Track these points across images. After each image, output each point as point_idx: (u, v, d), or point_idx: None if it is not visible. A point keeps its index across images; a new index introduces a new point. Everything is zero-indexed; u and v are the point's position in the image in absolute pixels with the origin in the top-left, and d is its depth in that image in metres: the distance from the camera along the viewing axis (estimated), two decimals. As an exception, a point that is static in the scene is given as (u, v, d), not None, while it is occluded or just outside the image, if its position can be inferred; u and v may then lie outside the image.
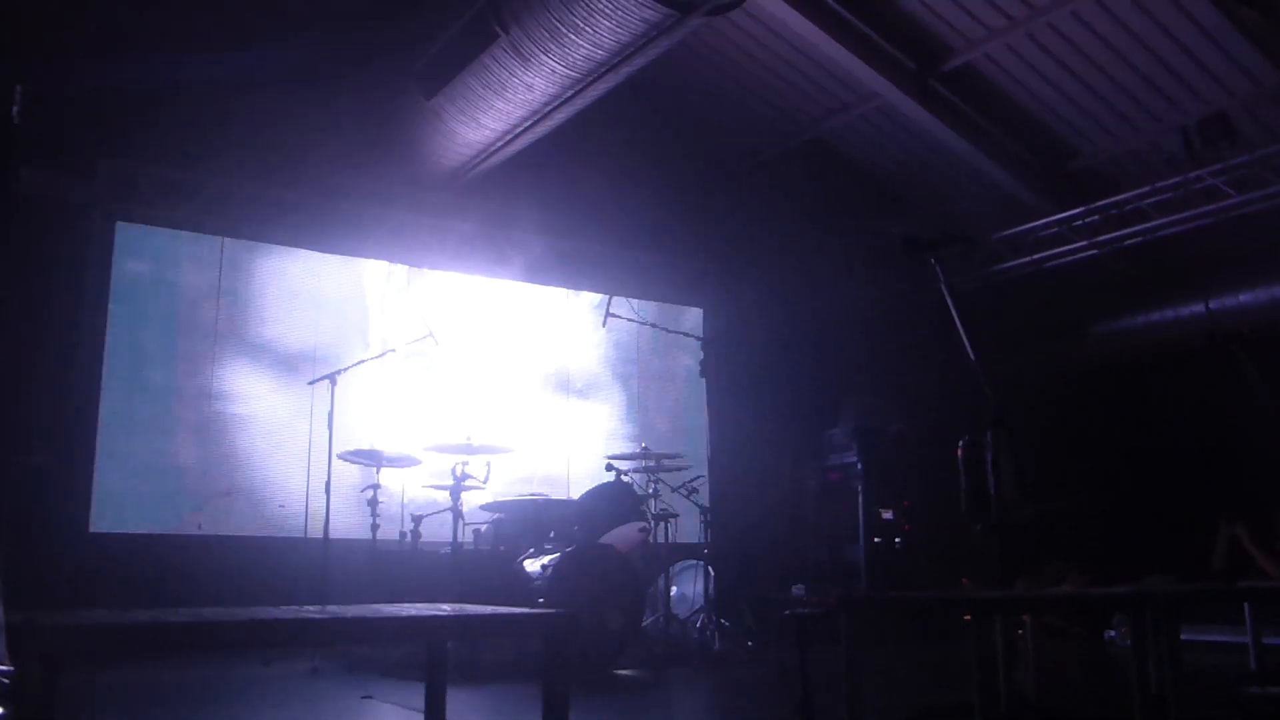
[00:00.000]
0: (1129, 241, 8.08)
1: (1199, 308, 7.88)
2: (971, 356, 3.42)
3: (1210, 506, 6.50)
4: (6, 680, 1.75)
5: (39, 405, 6.24)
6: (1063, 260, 8.53)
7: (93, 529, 6.51)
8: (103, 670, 4.83)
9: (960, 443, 3.28)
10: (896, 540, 8.09)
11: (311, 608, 3.39)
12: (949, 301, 3.57)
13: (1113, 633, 5.84)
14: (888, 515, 8.16)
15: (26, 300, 6.20)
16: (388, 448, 6.48)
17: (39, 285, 6.31)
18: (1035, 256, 8.65)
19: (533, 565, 5.86)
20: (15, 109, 3.36)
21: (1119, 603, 3.82)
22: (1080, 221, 8.22)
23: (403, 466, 6.60)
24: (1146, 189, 7.74)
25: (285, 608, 3.20)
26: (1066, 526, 7.04)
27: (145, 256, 7.06)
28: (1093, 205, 8.07)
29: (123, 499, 6.67)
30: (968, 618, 3.01)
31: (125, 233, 6.97)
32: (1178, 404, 8.10)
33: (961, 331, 3.49)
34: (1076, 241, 8.34)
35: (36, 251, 6.16)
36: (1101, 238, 8.17)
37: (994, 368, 3.40)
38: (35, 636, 2.00)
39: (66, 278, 6.65)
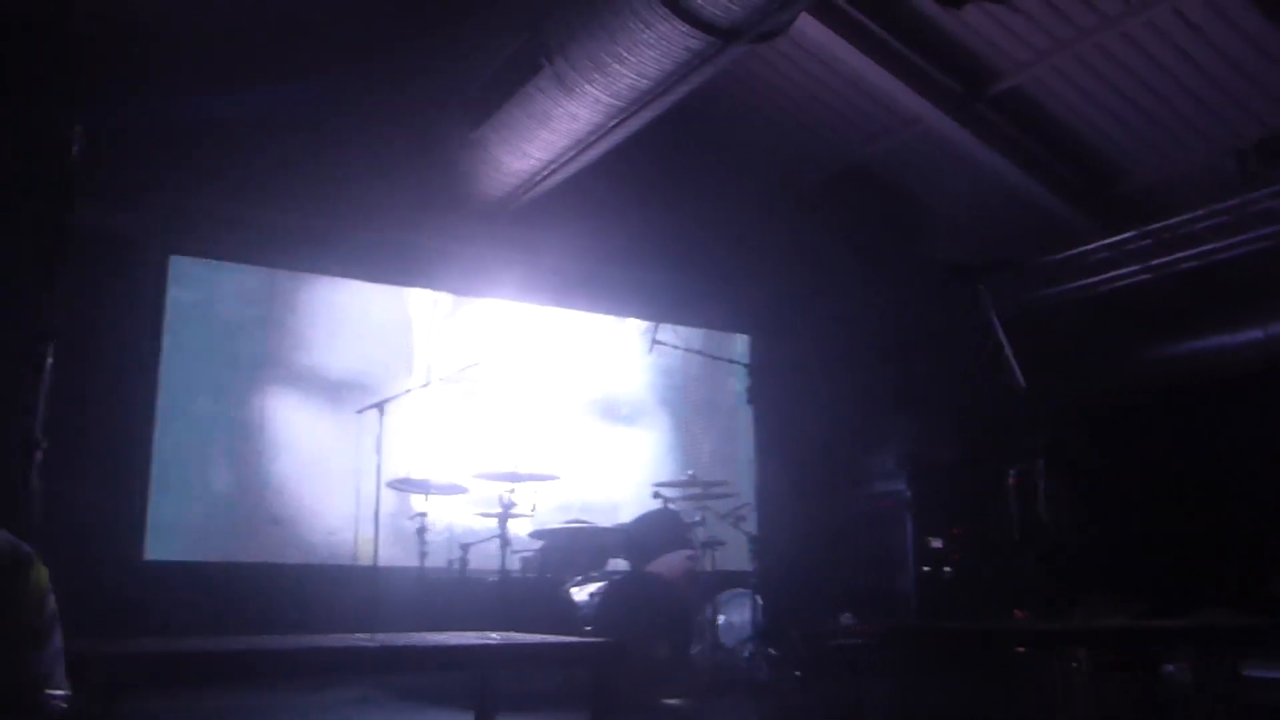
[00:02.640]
0: (1183, 265, 7.97)
1: (1256, 333, 7.74)
2: (1021, 382, 3.40)
3: (1266, 537, 6.37)
4: (65, 705, 1.81)
5: (95, 436, 6.37)
6: (1114, 284, 8.42)
7: (146, 557, 6.63)
8: (158, 696, 4.91)
9: (1012, 471, 3.26)
10: (946, 569, 8.00)
11: (362, 636, 3.43)
12: (997, 327, 3.55)
13: (1171, 667, 5.71)
14: (937, 544, 8.07)
15: (83, 332, 6.33)
16: (435, 476, 6.54)
17: (95, 317, 6.44)
18: (1086, 281, 8.55)
19: (580, 593, 5.87)
20: (76, 147, 3.47)
21: (1178, 636, 3.76)
22: (1133, 245, 8.12)
23: (450, 494, 6.65)
24: (1202, 212, 7.63)
25: (337, 636, 3.24)
26: (1119, 556, 6.93)
27: (197, 288, 7.20)
28: (1145, 229, 7.96)
29: (175, 527, 6.78)
30: (1021, 650, 2.98)
31: (178, 265, 7.12)
32: (1233, 431, 7.95)
33: (1010, 357, 3.48)
34: (1129, 265, 8.23)
35: (92, 285, 6.29)
36: (1155, 261, 8.06)
37: (1044, 394, 3.38)
38: (97, 664, 2.05)
39: (121, 310, 6.79)
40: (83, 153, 3.35)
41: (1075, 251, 8.46)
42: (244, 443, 7.12)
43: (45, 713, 1.77)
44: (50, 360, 2.84)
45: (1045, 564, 3.14)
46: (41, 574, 1.86)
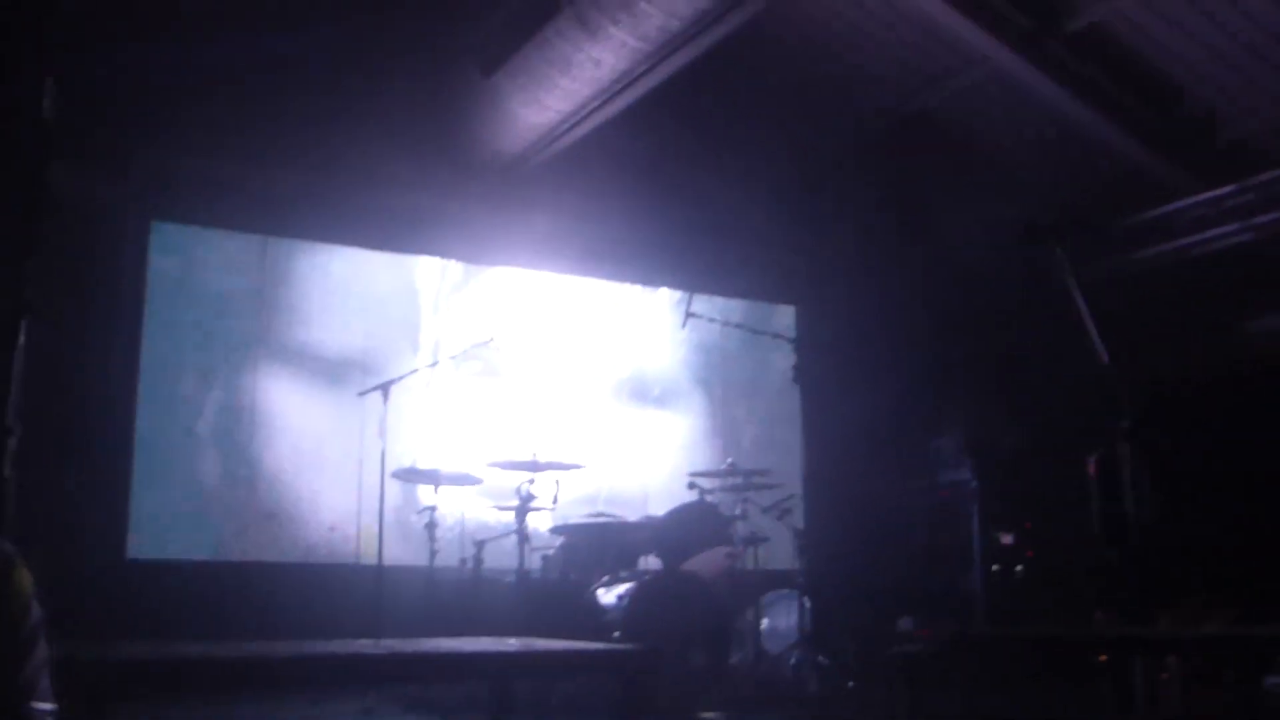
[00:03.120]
0: (1289, 224, 7.86)
1: (1375, 300, 7.64)
2: (1104, 358, 3.38)
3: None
4: (52, 719, 1.84)
5: (71, 422, 6.45)
6: (1211, 246, 8.32)
7: (130, 555, 6.72)
8: (141, 706, 4.99)
9: (1093, 457, 3.24)
10: (1018, 568, 7.97)
11: (366, 642, 3.47)
12: (1076, 295, 3.53)
13: (1275, 679, 5.67)
14: (1007, 539, 8.04)
15: (57, 308, 6.41)
16: (445, 465, 6.59)
17: (70, 291, 6.52)
18: (1179, 242, 8.45)
19: (607, 595, 5.90)
20: (46, 103, 3.50)
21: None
22: (1232, 201, 8.02)
23: (462, 486, 6.70)
24: (1310, 163, 7.53)
25: (338, 642, 3.28)
26: (1215, 554, 6.87)
27: (181, 258, 7.26)
28: (1247, 182, 7.86)
29: (160, 523, 6.87)
30: (1103, 659, 2.97)
31: (161, 233, 7.18)
32: (1348, 411, 7.85)
33: (1092, 329, 3.46)
34: (1228, 224, 8.13)
35: (68, 255, 6.35)
36: (1257, 219, 7.95)
37: (1130, 371, 3.35)
38: (79, 672, 2.09)
39: (99, 283, 6.86)
40: (56, 109, 3.38)
41: (1166, 209, 8.36)
42: (234, 429, 7.19)
43: (32, 727, 1.81)
44: (23, 339, 2.87)
45: (1130, 562, 3.13)
46: (25, 577, 1.89)
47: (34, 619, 1.87)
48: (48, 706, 1.84)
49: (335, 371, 7.51)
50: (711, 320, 7.32)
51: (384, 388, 6.36)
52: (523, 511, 6.17)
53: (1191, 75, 7.71)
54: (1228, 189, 7.98)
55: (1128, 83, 7.84)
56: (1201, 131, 8.14)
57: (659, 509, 6.92)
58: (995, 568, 7.93)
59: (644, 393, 8.55)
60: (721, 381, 8.92)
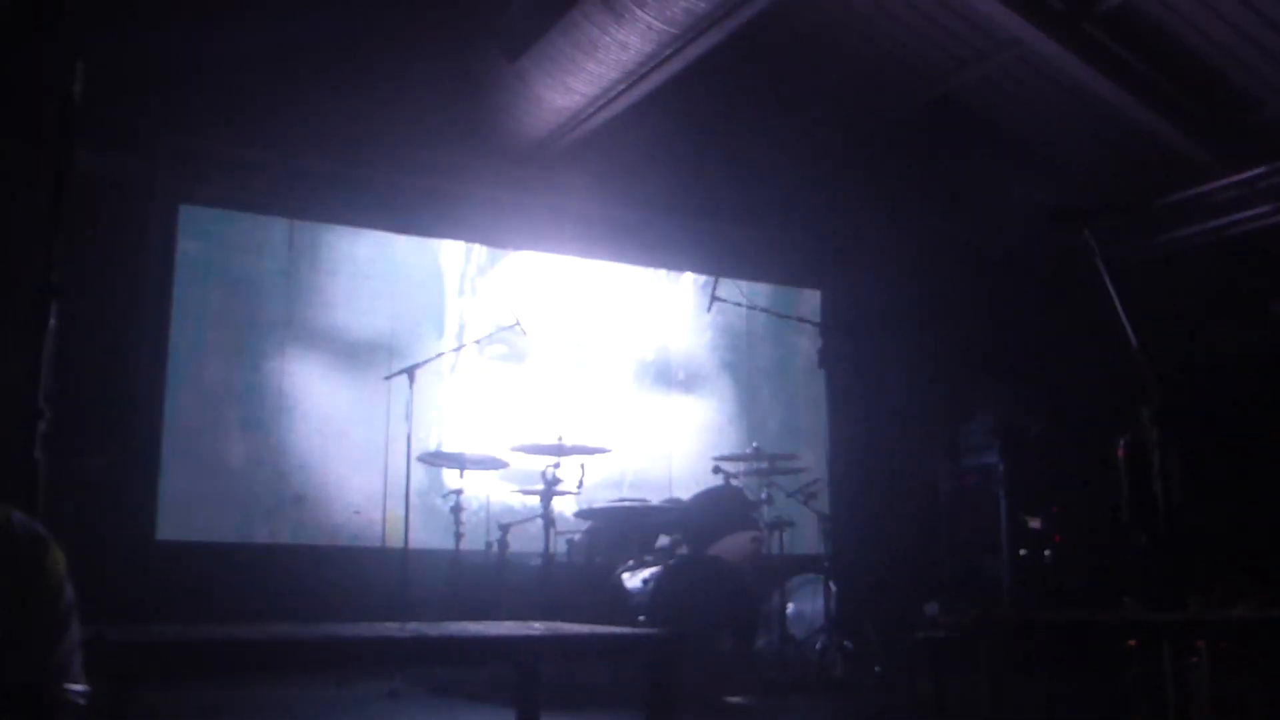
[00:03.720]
0: (1324, 206, 7.78)
1: None
2: (1133, 341, 3.35)
3: None
4: (83, 701, 1.85)
5: (101, 405, 6.50)
6: (1243, 228, 8.25)
7: (158, 537, 6.78)
8: (168, 687, 5.04)
9: (1122, 441, 3.22)
10: (1046, 552, 7.93)
11: (392, 625, 3.49)
12: (1106, 278, 3.50)
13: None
14: (1035, 524, 8.00)
15: (85, 291, 6.44)
16: (471, 449, 6.61)
17: (99, 274, 6.57)
18: (1211, 224, 8.38)
19: (632, 579, 5.91)
20: (77, 87, 3.51)
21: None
22: (1264, 183, 7.94)
23: (488, 470, 6.72)
24: (1344, 143, 7.44)
25: (364, 625, 3.30)
26: (1245, 538, 6.83)
27: (208, 241, 7.30)
28: (1278, 163, 7.78)
29: (188, 504, 6.92)
30: (1132, 643, 2.95)
31: (188, 216, 7.22)
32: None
33: (1121, 312, 3.42)
34: (1260, 205, 8.06)
35: (97, 238, 6.41)
36: (1291, 201, 7.88)
37: (1160, 353, 3.32)
38: (107, 653, 2.11)
39: (127, 266, 6.91)
40: (85, 93, 3.39)
41: (1197, 191, 8.29)
42: (261, 412, 7.23)
43: (64, 708, 1.82)
44: (53, 321, 2.89)
45: (1160, 546, 3.10)
46: (58, 558, 1.90)
47: (67, 600, 1.88)
48: (80, 688, 1.85)
49: (361, 355, 7.54)
50: (737, 304, 7.31)
51: (410, 371, 6.39)
52: (548, 495, 6.18)
53: (1223, 56, 7.62)
54: (1259, 170, 7.91)
55: (1159, 64, 7.76)
56: (1233, 113, 8.05)
57: (684, 493, 6.92)
58: (1023, 552, 7.89)
59: (669, 377, 8.55)
60: (747, 365, 8.91)
